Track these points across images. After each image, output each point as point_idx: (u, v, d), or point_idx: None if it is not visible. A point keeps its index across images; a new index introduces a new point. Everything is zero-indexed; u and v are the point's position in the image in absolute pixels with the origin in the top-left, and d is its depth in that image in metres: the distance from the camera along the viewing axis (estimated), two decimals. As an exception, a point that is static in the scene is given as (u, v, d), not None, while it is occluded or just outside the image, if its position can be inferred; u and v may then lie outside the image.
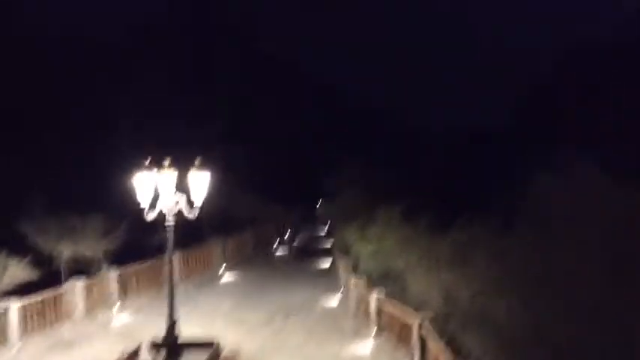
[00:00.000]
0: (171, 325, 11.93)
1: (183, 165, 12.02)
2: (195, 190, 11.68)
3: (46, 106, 29.30)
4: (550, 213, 7.36)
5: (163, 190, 11.47)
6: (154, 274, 18.54)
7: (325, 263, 26.82)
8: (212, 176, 12.37)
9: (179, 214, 12.15)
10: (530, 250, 8.53)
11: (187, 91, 32.38)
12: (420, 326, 12.15)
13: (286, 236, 32.61)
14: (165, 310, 12.07)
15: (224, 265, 23.80)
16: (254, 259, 27.17)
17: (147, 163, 11.34)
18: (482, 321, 9.21)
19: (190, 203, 11.78)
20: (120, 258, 18.17)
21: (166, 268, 12.41)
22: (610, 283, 6.26)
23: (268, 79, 40.23)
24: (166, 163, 11.58)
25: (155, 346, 12.13)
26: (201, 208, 12.42)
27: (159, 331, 12.25)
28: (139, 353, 12.15)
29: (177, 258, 19.88)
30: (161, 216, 11.73)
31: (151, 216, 11.51)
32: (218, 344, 12.44)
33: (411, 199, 16.00)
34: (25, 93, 28.92)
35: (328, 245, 29.23)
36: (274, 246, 31.02)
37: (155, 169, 11.41)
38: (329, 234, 31.78)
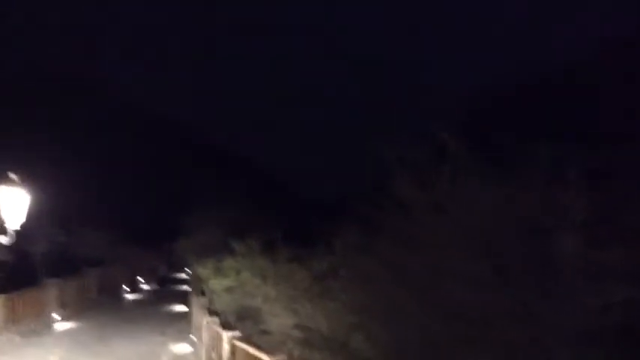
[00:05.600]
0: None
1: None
2: (7, 209, 9.71)
3: None
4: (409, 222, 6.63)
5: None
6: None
7: (181, 306, 24.82)
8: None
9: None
10: (387, 271, 7.80)
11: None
12: (276, 365, 10.97)
13: (139, 279, 29.94)
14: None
15: (62, 310, 20.93)
16: (99, 304, 24.36)
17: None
18: (343, 352, 8.29)
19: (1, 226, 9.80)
20: None
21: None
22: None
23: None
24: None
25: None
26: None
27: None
28: None
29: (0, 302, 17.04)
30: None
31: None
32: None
33: (269, 231, 14.94)
34: None
35: (185, 287, 27.23)
36: (125, 290, 28.24)
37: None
38: (186, 275, 29.75)
